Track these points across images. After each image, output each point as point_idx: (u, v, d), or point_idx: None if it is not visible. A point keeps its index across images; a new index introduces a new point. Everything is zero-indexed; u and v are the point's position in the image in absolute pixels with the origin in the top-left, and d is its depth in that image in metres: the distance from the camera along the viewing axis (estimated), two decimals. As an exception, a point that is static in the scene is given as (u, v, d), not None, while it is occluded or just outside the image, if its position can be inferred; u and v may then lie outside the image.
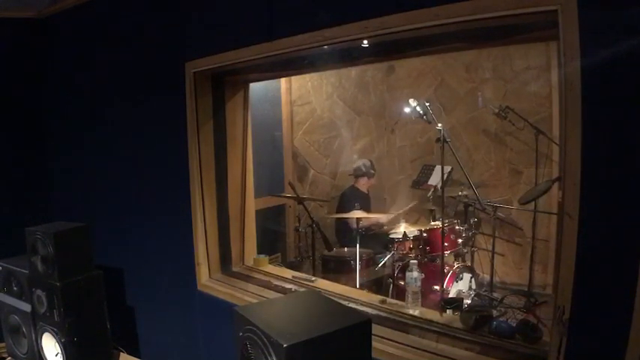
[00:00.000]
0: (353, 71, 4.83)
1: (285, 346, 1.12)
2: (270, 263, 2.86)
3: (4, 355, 2.56)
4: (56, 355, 2.31)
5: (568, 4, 1.27)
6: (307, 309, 1.39)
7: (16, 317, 2.44)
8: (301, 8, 1.95)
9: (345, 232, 3.99)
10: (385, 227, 4.00)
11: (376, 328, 1.88)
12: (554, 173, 3.81)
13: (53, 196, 3.46)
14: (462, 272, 3.36)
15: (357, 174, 4.21)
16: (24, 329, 2.42)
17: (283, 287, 2.47)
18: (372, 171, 4.18)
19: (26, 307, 2.38)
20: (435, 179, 4.02)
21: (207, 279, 2.63)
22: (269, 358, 1.17)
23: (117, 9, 2.87)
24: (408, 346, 1.81)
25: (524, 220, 4.15)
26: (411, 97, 3.46)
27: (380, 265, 3.56)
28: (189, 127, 2.52)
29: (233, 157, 2.72)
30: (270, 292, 2.44)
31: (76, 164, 3.34)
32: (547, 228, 4.02)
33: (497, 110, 3.83)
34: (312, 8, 1.89)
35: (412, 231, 3.51)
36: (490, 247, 3.70)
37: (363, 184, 4.20)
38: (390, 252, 3.51)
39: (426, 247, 3.48)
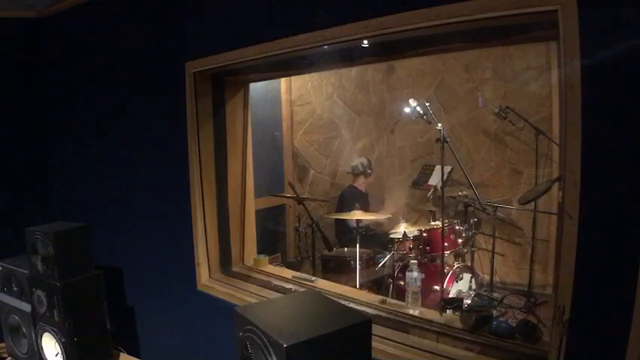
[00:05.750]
0: (353, 71, 4.82)
1: (285, 346, 1.12)
2: (270, 263, 2.86)
3: (4, 355, 2.56)
4: (56, 355, 2.31)
5: (568, 4, 1.27)
6: (307, 309, 1.39)
7: (16, 317, 2.44)
8: (301, 8, 1.95)
9: (345, 232, 3.98)
10: (385, 220, 4.01)
11: (376, 328, 1.88)
12: (554, 173, 3.80)
13: (53, 196, 3.46)
14: (462, 272, 3.36)
15: (355, 172, 4.21)
16: (24, 329, 2.42)
17: (283, 287, 2.47)
18: (369, 170, 4.18)
19: (26, 307, 2.38)
20: (435, 179, 4.02)
21: (207, 279, 2.63)
22: (269, 358, 1.17)
23: (117, 9, 2.87)
24: (408, 346, 1.81)
25: (524, 220, 4.15)
26: (411, 97, 3.46)
27: (380, 265, 3.55)
28: (189, 127, 2.52)
29: (233, 157, 2.72)
30: (270, 292, 2.44)
31: (76, 164, 3.34)
32: (547, 228, 4.02)
33: (497, 110, 3.83)
34: (312, 8, 1.89)
35: (412, 231, 3.51)
36: (490, 247, 3.69)
37: (361, 183, 4.21)
38: (390, 252, 3.50)
39: (426, 247, 3.47)
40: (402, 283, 3.03)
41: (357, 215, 3.50)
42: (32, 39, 3.31)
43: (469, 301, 3.27)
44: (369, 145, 4.99)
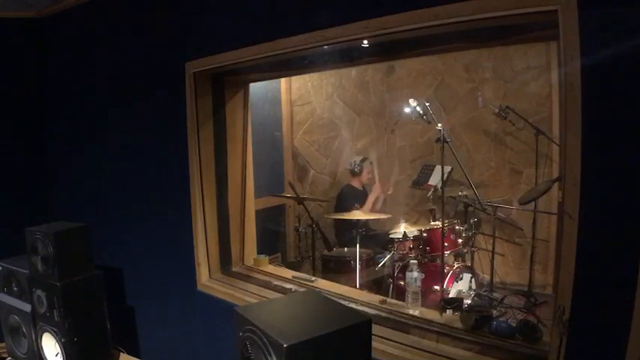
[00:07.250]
0: (353, 71, 4.82)
1: (285, 346, 1.12)
2: (270, 263, 2.86)
3: (4, 355, 2.56)
4: (56, 355, 2.31)
5: (568, 4, 1.27)
6: (307, 309, 1.39)
7: (16, 317, 2.44)
8: (301, 8, 1.95)
9: (345, 231, 3.99)
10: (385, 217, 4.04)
11: (376, 328, 1.88)
12: (554, 173, 3.80)
13: (53, 196, 3.46)
14: (462, 272, 3.36)
15: (351, 172, 4.26)
16: (24, 329, 2.42)
17: (283, 287, 2.47)
18: (357, 169, 4.22)
19: (26, 307, 2.38)
20: (435, 179, 4.02)
21: (207, 279, 2.63)
22: (269, 358, 1.17)
23: (117, 9, 2.87)
24: (408, 346, 1.81)
25: (524, 220, 4.15)
26: (411, 97, 3.46)
27: (380, 265, 3.55)
28: (189, 127, 2.52)
29: (233, 157, 2.72)
30: (270, 292, 2.44)
31: (76, 164, 3.34)
32: (547, 228, 4.02)
33: (497, 110, 3.83)
34: (313, 8, 1.89)
35: (412, 231, 3.51)
36: (490, 247, 3.69)
37: (357, 182, 4.24)
38: (390, 252, 3.50)
39: (426, 247, 3.47)
40: (402, 283, 3.03)
41: (356, 215, 3.50)
42: (32, 39, 3.31)
43: (469, 301, 3.27)
44: (369, 145, 4.99)
